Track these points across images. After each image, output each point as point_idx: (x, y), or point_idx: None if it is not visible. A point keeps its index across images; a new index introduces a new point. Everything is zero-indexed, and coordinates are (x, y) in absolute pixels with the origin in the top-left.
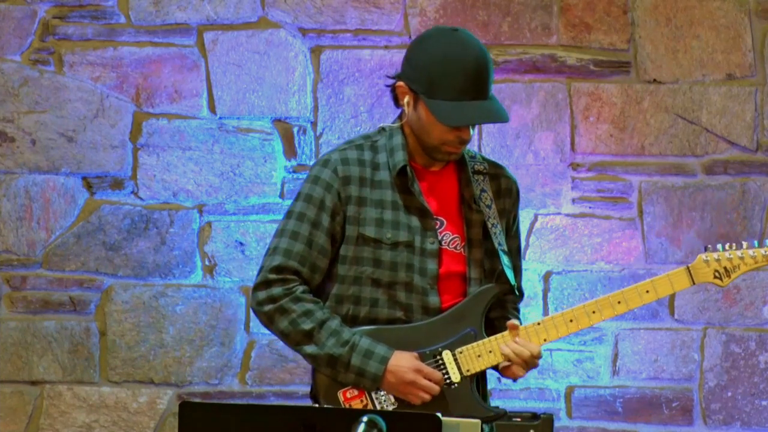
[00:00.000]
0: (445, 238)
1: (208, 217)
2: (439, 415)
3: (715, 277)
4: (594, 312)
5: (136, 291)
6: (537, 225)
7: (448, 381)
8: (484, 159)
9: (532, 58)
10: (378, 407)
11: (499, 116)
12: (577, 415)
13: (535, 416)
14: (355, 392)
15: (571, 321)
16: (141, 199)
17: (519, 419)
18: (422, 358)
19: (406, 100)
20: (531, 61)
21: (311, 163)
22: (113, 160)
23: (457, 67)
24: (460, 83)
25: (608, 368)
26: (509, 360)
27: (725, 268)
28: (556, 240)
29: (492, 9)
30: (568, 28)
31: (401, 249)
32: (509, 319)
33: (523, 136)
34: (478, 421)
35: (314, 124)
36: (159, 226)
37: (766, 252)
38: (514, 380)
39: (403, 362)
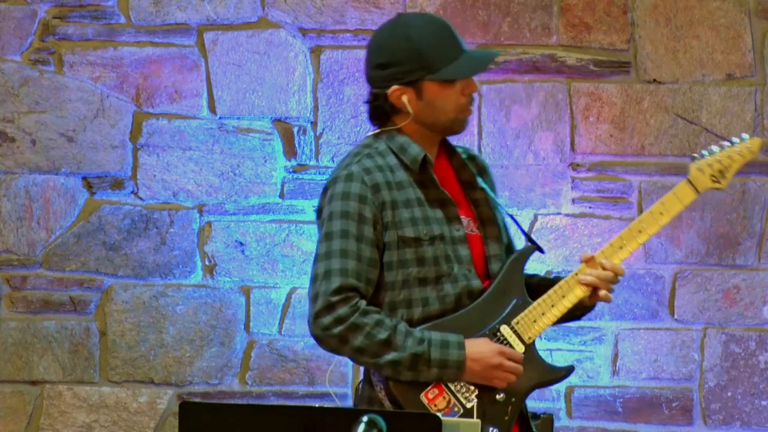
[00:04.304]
0: (463, 222)
1: (208, 217)
2: (439, 415)
3: (713, 181)
4: (621, 247)
5: (136, 291)
6: (537, 225)
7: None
8: (456, 145)
9: (532, 58)
10: (462, 401)
11: (491, 53)
12: (577, 415)
13: (535, 416)
14: (436, 391)
15: (621, 248)
16: (141, 199)
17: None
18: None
19: (405, 99)
20: (531, 61)
21: (311, 162)
22: (113, 160)
23: (440, 33)
24: (450, 43)
25: (608, 368)
26: (595, 286)
27: (719, 170)
28: (556, 240)
29: (492, 9)
30: (568, 28)
31: (438, 242)
32: (549, 279)
33: (523, 136)
34: (478, 421)
35: (314, 124)
36: (159, 226)
37: (749, 144)
38: (592, 310)
39: (483, 347)
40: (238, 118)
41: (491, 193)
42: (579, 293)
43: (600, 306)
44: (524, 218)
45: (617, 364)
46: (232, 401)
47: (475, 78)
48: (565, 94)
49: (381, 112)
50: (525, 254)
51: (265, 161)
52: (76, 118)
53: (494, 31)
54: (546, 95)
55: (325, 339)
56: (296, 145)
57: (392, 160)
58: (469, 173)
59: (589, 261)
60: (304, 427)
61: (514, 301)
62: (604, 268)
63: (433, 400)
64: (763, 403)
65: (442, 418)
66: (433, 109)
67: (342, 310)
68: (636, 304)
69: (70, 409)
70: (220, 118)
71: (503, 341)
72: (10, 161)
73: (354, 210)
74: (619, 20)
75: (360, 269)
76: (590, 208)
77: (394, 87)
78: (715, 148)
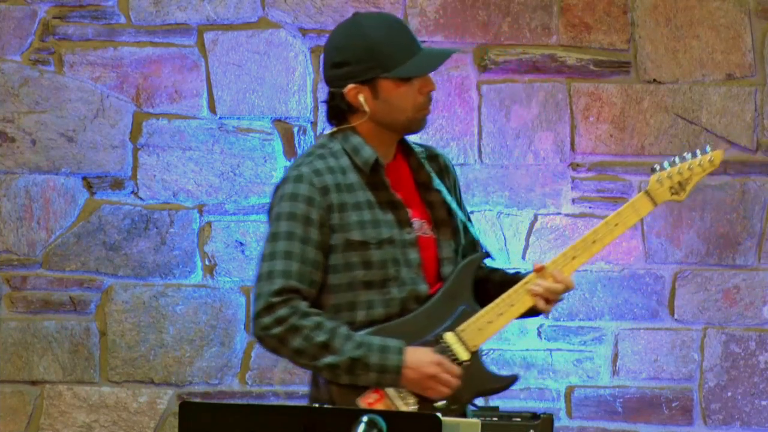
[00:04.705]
0: (415, 225)
1: (208, 217)
2: (439, 415)
3: (672, 193)
4: (574, 258)
5: (136, 291)
6: (537, 225)
7: (458, 362)
8: (415, 143)
9: (532, 58)
10: (402, 406)
11: (449, 51)
12: (577, 415)
13: (535, 416)
14: (375, 395)
15: (573, 258)
16: (141, 199)
17: (519, 419)
18: (426, 345)
19: (362, 98)
20: (531, 61)
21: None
22: (113, 160)
23: (395, 31)
24: (405, 41)
25: (608, 368)
26: (543, 297)
27: (679, 182)
28: (556, 240)
29: (492, 9)
30: (568, 28)
31: (386, 246)
32: (499, 274)
33: (523, 136)
34: (478, 421)
35: (314, 124)
36: (159, 226)
37: (711, 157)
38: (547, 314)
39: (422, 356)
40: (238, 118)
41: (447, 195)
42: (528, 302)
43: (600, 306)
44: (524, 218)
45: (617, 364)
46: (232, 401)
47: (475, 77)
48: (565, 94)
49: (338, 111)
50: (475, 261)
51: (265, 161)
52: (76, 118)
53: (494, 31)
54: (546, 95)
55: (265, 339)
56: (296, 145)
57: (345, 161)
58: (426, 174)
59: (540, 271)
60: (304, 427)
61: (462, 308)
62: (555, 280)
63: (372, 404)
64: (763, 403)
65: (442, 418)
66: (390, 107)
67: (282, 312)
68: (636, 304)
69: (70, 409)
70: (220, 118)
71: (447, 348)
72: (10, 161)
73: (301, 212)
74: (619, 20)
75: (303, 271)
76: (590, 208)
77: (350, 86)
78: (677, 159)
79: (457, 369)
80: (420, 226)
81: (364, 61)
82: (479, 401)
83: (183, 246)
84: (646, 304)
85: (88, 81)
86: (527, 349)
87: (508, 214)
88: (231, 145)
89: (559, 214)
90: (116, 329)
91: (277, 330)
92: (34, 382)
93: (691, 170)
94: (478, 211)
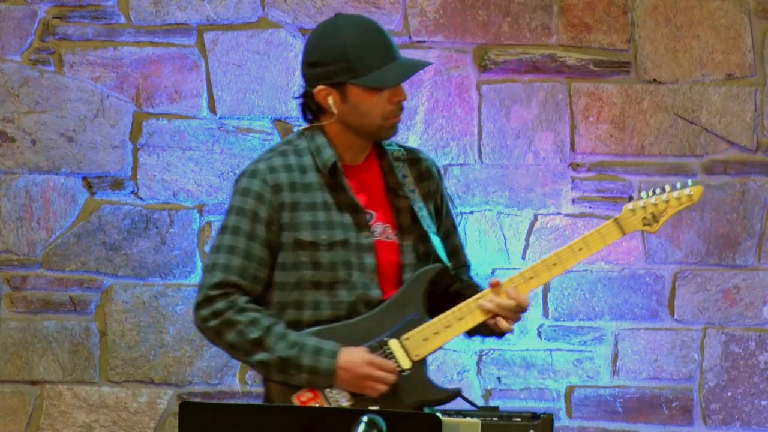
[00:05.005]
0: (377, 229)
1: (208, 217)
2: (439, 415)
3: (645, 224)
4: (531, 278)
5: (136, 291)
6: (537, 225)
7: (399, 369)
8: (399, 146)
9: (532, 58)
10: (334, 405)
11: (422, 62)
12: (577, 415)
13: (535, 416)
14: (310, 394)
15: (531, 278)
16: (141, 199)
17: (519, 419)
18: (370, 350)
19: (330, 101)
20: (531, 61)
21: None
22: (113, 160)
23: (371, 37)
24: (380, 49)
25: (608, 368)
26: (496, 314)
27: (652, 213)
28: (556, 240)
29: (492, 9)
30: (568, 28)
31: (338, 248)
32: (471, 286)
33: (523, 136)
34: (478, 421)
35: None
36: (159, 226)
37: (690, 192)
38: (501, 336)
39: (354, 357)
40: (238, 118)
41: (418, 202)
42: (478, 317)
43: (600, 306)
44: (524, 218)
45: (617, 364)
46: (232, 401)
47: (475, 77)
48: (565, 94)
49: (309, 109)
50: (431, 271)
51: None
52: (76, 118)
53: (494, 31)
54: (546, 95)
55: (203, 330)
56: None
57: (308, 160)
58: (395, 179)
59: (495, 286)
60: (304, 427)
61: (411, 316)
62: (509, 297)
63: (306, 402)
64: (763, 403)
65: (442, 418)
66: (358, 113)
67: (219, 305)
68: (636, 304)
69: (70, 409)
70: (220, 118)
71: (389, 355)
72: (10, 161)
73: (250, 207)
74: (619, 20)
75: (246, 267)
76: (590, 208)
77: (320, 87)
78: (658, 190)
79: (392, 365)
80: (383, 230)
81: (335, 65)
82: (479, 401)
83: (183, 246)
84: (646, 304)
85: (88, 81)
86: (527, 349)
87: (508, 214)
88: (231, 145)
89: (559, 214)
90: (116, 329)
91: (213, 323)
92: (34, 382)
93: (667, 203)
94: (478, 211)
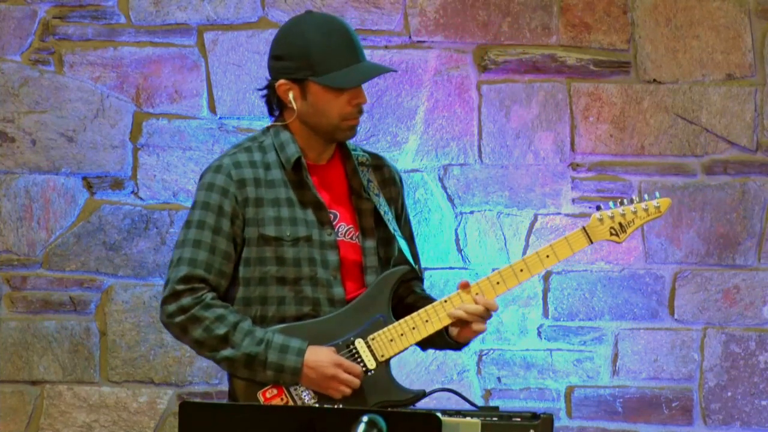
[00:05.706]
0: (340, 229)
1: None
2: (439, 415)
3: (612, 234)
4: (498, 283)
5: (136, 291)
6: (537, 225)
7: (364, 369)
8: (364, 151)
9: (532, 58)
10: (299, 403)
11: (385, 68)
12: (577, 415)
13: (535, 416)
14: (275, 391)
15: (497, 284)
16: (141, 199)
17: (519, 419)
18: (336, 349)
19: (291, 96)
20: (531, 61)
21: None
22: (113, 160)
23: (336, 37)
24: (343, 50)
25: (608, 368)
26: (464, 319)
27: (620, 224)
28: (556, 240)
29: (492, 9)
30: (568, 28)
31: (302, 244)
32: (426, 299)
33: (523, 136)
34: (478, 421)
35: None
36: (159, 226)
37: (657, 204)
38: (467, 344)
39: (322, 357)
40: (238, 118)
41: (383, 206)
42: (444, 320)
43: (600, 306)
44: (524, 218)
45: (617, 364)
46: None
47: (476, 77)
48: (565, 94)
49: (270, 103)
50: (397, 273)
51: None
52: (76, 118)
53: (494, 31)
54: (546, 95)
55: (169, 326)
56: None
57: (272, 156)
58: (359, 182)
59: (464, 288)
60: (304, 427)
61: (377, 317)
62: (475, 301)
63: (270, 399)
64: (763, 403)
65: (442, 418)
66: (316, 111)
67: (185, 300)
68: (636, 304)
69: (70, 409)
70: (220, 118)
71: (355, 354)
72: (10, 161)
73: (215, 202)
74: (619, 20)
75: (211, 261)
76: (590, 208)
77: (282, 81)
78: (626, 201)
79: (358, 369)
80: (346, 231)
81: (298, 60)
82: (479, 401)
83: None
84: (646, 304)
85: (88, 81)
86: (527, 349)
87: (508, 214)
88: (231, 145)
89: (559, 214)
90: (116, 329)
91: (179, 318)
92: (34, 382)
93: (635, 214)
94: (478, 211)
